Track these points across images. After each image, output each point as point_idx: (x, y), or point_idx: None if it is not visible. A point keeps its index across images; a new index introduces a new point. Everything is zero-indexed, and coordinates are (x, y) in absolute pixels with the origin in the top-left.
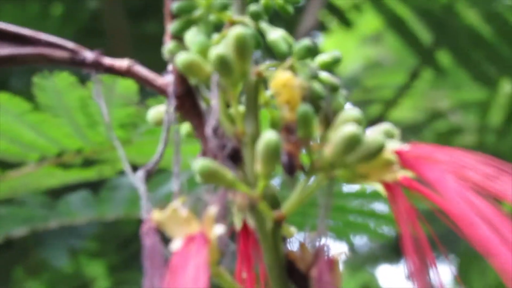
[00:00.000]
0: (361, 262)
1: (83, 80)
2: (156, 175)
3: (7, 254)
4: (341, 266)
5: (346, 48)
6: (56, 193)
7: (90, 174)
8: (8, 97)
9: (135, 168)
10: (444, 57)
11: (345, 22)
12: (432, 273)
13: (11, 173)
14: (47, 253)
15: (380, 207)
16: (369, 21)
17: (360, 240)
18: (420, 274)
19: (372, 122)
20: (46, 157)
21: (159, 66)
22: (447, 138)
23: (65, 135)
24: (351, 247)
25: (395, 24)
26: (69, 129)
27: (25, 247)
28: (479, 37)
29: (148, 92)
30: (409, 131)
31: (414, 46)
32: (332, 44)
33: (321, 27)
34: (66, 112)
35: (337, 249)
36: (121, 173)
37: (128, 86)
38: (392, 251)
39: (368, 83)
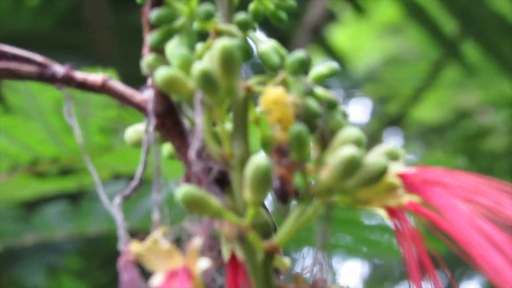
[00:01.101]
0: (380, 279)
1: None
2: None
3: None
4: None
5: (361, 41)
6: (31, 205)
7: (68, 184)
8: None
9: (118, 178)
10: (470, 50)
11: (359, 10)
12: None
13: None
14: (22, 271)
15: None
16: (387, 10)
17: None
18: None
19: (391, 121)
20: (18, 165)
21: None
22: (475, 140)
23: (39, 141)
24: (370, 263)
25: (416, 13)
26: (43, 134)
27: None
28: (510, 26)
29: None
30: (433, 133)
31: (437, 38)
32: (346, 37)
33: (332, 17)
34: (40, 116)
35: (338, 281)
36: (103, 181)
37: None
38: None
39: (386, 78)
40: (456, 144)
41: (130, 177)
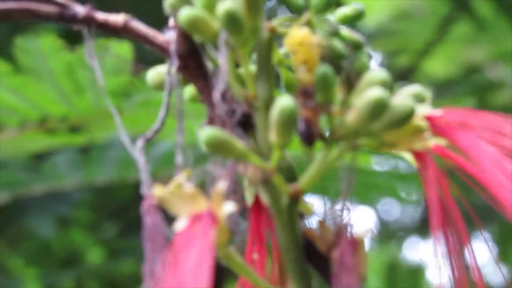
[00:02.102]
0: (389, 234)
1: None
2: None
3: None
4: (366, 246)
5: None
6: (41, 157)
7: (78, 139)
8: None
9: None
10: (481, 4)
11: None
12: (465, 251)
13: None
14: (32, 221)
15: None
16: None
17: (388, 212)
18: (452, 252)
19: (401, 74)
20: (27, 122)
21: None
22: (484, 94)
23: (49, 101)
24: (378, 216)
25: None
26: (53, 94)
27: (7, 215)
28: None
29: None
30: (443, 87)
31: None
32: None
33: None
34: (51, 77)
35: (361, 226)
36: (112, 140)
37: (122, 51)
38: (422, 223)
39: (396, 33)
40: (465, 98)
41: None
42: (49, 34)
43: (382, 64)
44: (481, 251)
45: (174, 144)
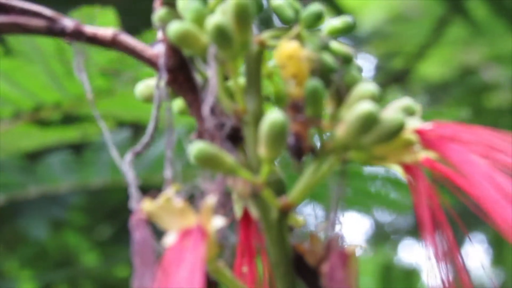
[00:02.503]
0: (384, 236)
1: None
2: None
3: None
4: (356, 260)
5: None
6: (34, 156)
7: (71, 133)
8: None
9: (121, 125)
10: (476, 6)
11: None
12: (455, 258)
13: None
14: (26, 223)
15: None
16: None
17: (383, 214)
18: (441, 258)
19: (396, 76)
20: (21, 112)
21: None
22: (479, 96)
23: (41, 86)
24: (373, 219)
25: None
26: (45, 79)
27: (1, 217)
28: None
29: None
30: (438, 89)
31: None
32: None
33: None
34: (41, 60)
35: (352, 239)
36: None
37: (107, 21)
38: (417, 226)
39: (392, 35)
40: (461, 100)
41: (133, 125)
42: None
43: (377, 67)
44: (475, 254)
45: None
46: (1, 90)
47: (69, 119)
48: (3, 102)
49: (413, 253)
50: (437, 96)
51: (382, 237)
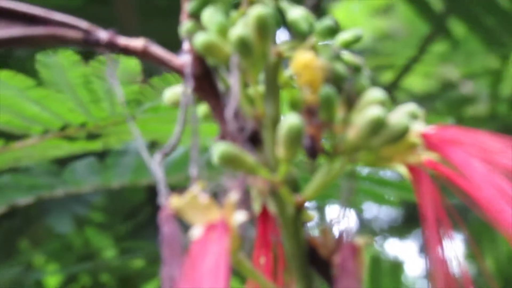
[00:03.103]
0: (370, 231)
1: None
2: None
3: (11, 224)
4: (364, 253)
5: (357, 19)
6: (62, 163)
7: (95, 145)
8: (12, 74)
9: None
10: (456, 25)
11: None
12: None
13: (15, 144)
14: (53, 221)
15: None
16: None
17: (369, 213)
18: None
19: (385, 88)
20: (49, 130)
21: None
22: (459, 108)
23: (69, 110)
24: (360, 219)
25: None
26: (72, 104)
27: (30, 215)
28: (493, 3)
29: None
30: (423, 101)
31: (426, 14)
32: (343, 15)
33: None
34: (69, 88)
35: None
36: (125, 144)
37: (131, 64)
38: (402, 225)
39: (379, 52)
40: (443, 111)
41: (153, 143)
42: (66, 49)
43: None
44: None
45: (187, 150)
46: (33, 112)
47: (92, 136)
48: (33, 122)
49: (398, 247)
50: (422, 106)
51: (369, 231)
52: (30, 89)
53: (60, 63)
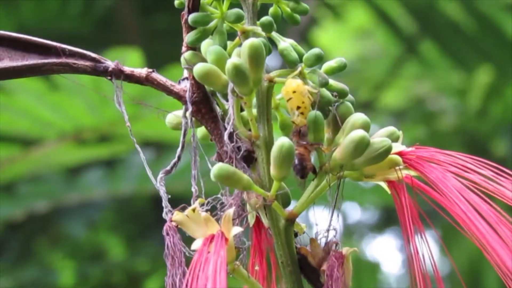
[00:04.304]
0: (350, 232)
1: None
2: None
3: (30, 228)
4: (350, 261)
5: (339, 43)
6: (75, 171)
7: (104, 150)
8: (28, 79)
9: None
10: (426, 47)
11: (337, 16)
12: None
13: (32, 150)
14: (67, 224)
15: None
16: (359, 17)
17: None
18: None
19: (363, 105)
20: (65, 133)
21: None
22: (430, 120)
23: (81, 113)
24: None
25: (382, 18)
26: (84, 107)
27: (48, 219)
28: (459, 28)
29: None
30: (397, 115)
31: (399, 38)
32: (326, 39)
33: (315, 23)
34: (81, 92)
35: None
36: (134, 151)
37: (135, 61)
38: (379, 223)
39: (358, 72)
40: (416, 124)
41: (157, 143)
42: None
43: None
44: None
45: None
46: (48, 116)
47: (104, 139)
48: (49, 126)
49: (375, 247)
50: (397, 120)
51: (348, 232)
52: (46, 94)
53: None
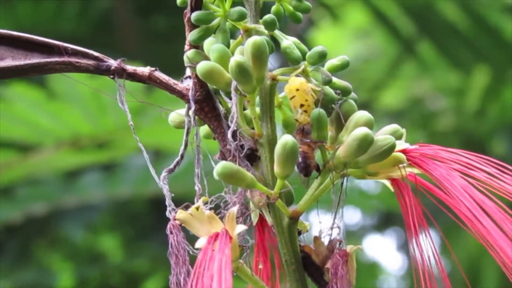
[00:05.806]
0: (351, 232)
1: None
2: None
3: (28, 230)
4: (354, 259)
5: (337, 44)
6: (73, 175)
7: (102, 156)
8: (26, 88)
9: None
10: (423, 47)
11: (335, 17)
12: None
13: (30, 156)
14: (66, 226)
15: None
16: (357, 17)
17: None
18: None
19: (361, 105)
20: (62, 140)
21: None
22: (428, 120)
23: (79, 121)
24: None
25: (380, 19)
26: (82, 115)
27: (47, 221)
28: (456, 29)
29: None
30: (395, 115)
31: (397, 39)
32: (324, 40)
33: (313, 24)
34: (79, 101)
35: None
36: (132, 153)
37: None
38: (379, 223)
39: (357, 72)
40: (415, 124)
41: (155, 149)
42: None
43: None
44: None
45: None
46: (45, 124)
47: (101, 145)
48: (46, 133)
49: (375, 248)
50: (395, 120)
51: (348, 234)
52: (44, 102)
53: (71, 76)
